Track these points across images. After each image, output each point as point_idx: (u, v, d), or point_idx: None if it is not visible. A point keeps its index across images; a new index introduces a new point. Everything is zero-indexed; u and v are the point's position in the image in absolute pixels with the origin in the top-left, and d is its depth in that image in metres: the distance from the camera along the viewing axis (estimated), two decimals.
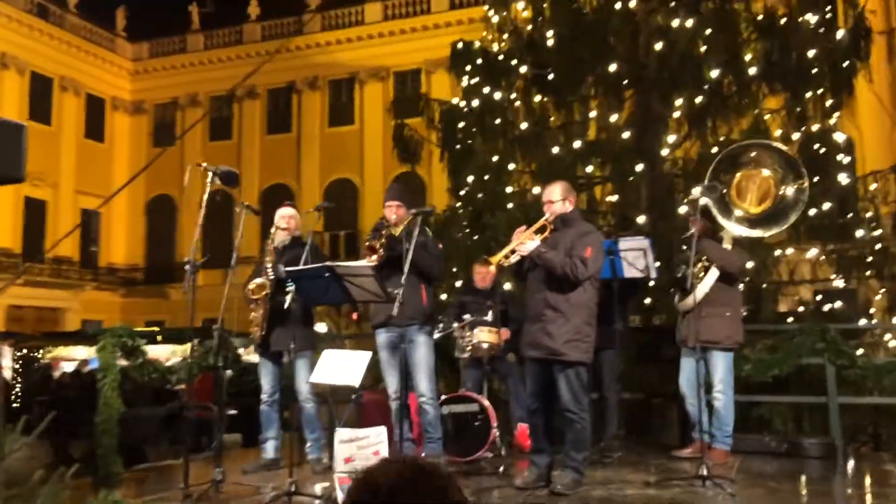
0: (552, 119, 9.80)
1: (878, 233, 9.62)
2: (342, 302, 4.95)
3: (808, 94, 8.70)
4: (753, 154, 5.79)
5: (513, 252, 4.95)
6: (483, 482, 5.41)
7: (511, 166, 9.40)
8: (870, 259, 9.49)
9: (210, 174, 4.33)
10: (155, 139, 32.37)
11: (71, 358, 16.29)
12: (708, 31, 8.54)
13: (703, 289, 5.99)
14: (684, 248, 6.22)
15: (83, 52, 30.36)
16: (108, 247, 30.79)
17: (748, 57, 8.62)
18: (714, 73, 8.49)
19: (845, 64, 8.86)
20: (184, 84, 32.08)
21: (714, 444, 6.13)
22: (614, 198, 9.07)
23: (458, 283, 8.22)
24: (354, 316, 5.56)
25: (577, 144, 9.00)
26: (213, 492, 4.92)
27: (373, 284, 4.47)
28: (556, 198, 5.11)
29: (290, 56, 29.27)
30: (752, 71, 8.52)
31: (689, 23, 8.49)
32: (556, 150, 9.06)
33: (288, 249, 5.84)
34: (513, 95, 9.81)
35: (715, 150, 8.69)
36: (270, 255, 5.72)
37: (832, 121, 9.37)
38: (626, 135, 8.76)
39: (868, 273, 9.79)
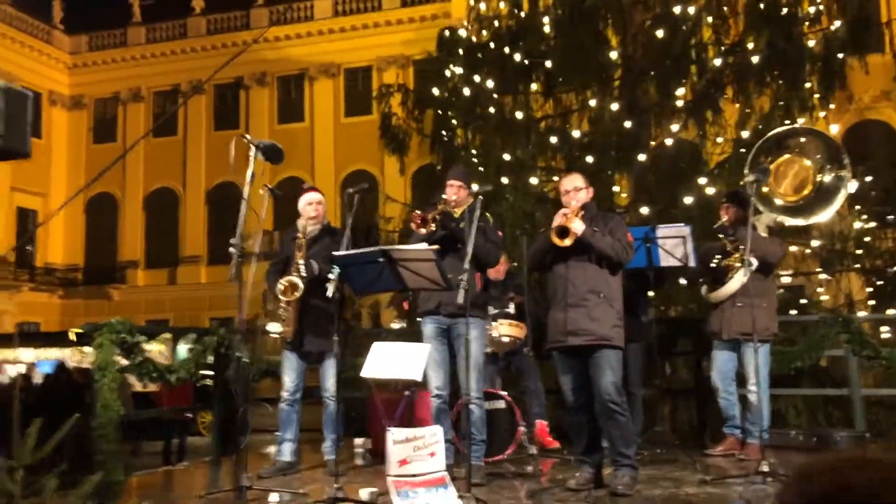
0: (546, 108, 9.55)
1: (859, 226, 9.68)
2: (394, 289, 4.57)
3: (808, 85, 8.65)
4: (802, 139, 5.62)
5: (565, 231, 4.64)
6: (528, 485, 5.08)
7: (506, 157, 9.09)
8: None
9: (253, 148, 3.87)
10: (95, 135, 31.08)
11: (16, 361, 15.31)
12: (710, 19, 8.41)
13: (740, 279, 5.79)
14: (721, 236, 6.00)
15: (17, 43, 28.93)
16: (45, 246, 29.37)
17: (750, 45, 8.52)
18: (717, 62, 8.36)
19: (840, 55, 8.86)
20: (125, 78, 30.91)
21: (749, 438, 5.94)
22: (616, 188, 8.86)
23: None
24: (405, 305, 5.14)
25: (576, 134, 8.75)
26: (238, 498, 4.45)
27: (432, 270, 4.09)
28: (582, 185, 4.90)
29: (237, 51, 28.42)
30: (755, 59, 8.42)
31: (692, 9, 8.34)
32: (553, 139, 8.79)
33: (318, 240, 5.42)
34: (504, 84, 9.53)
35: (720, 139, 8.59)
36: (301, 251, 5.28)
37: (822, 113, 9.37)
38: (628, 124, 8.55)
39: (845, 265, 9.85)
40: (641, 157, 8.41)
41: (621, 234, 4.68)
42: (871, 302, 9.36)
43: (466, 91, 9.52)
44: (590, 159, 8.44)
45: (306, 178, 29.12)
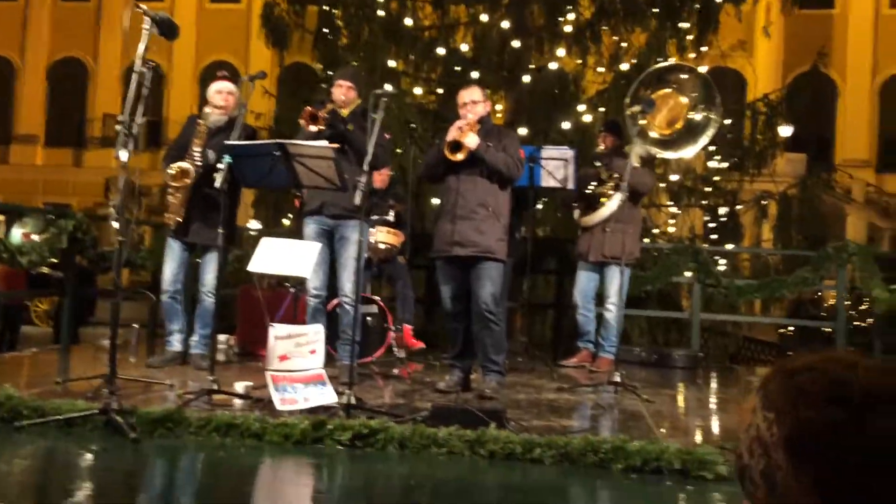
0: (434, 18, 9.42)
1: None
2: (286, 185, 4.47)
3: (686, 25, 9.01)
4: (683, 76, 5.89)
5: (458, 146, 4.71)
6: (398, 386, 5.26)
7: (391, 63, 8.95)
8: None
9: (148, 21, 3.59)
10: None
11: None
12: None
13: (612, 206, 6.10)
14: (598, 164, 6.26)
15: None
16: None
17: None
18: None
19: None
20: None
21: (601, 353, 6.39)
22: (498, 107, 8.96)
23: None
24: (297, 203, 5.03)
25: (464, 48, 8.73)
26: (109, 386, 4.32)
27: (329, 168, 4.03)
28: (479, 98, 4.96)
29: None
30: None
31: None
32: (441, 51, 8.73)
33: (221, 132, 5.16)
34: None
35: (601, 69, 8.83)
36: (200, 138, 5.04)
37: (692, 55, 9.81)
38: (516, 43, 8.61)
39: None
40: (525, 79, 8.53)
41: (514, 151, 4.80)
42: (714, 236, 10.12)
43: None
44: (475, 75, 8.47)
45: (163, 64, 27.36)
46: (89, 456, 3.37)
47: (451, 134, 4.81)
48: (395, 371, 5.84)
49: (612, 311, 6.30)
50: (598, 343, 6.44)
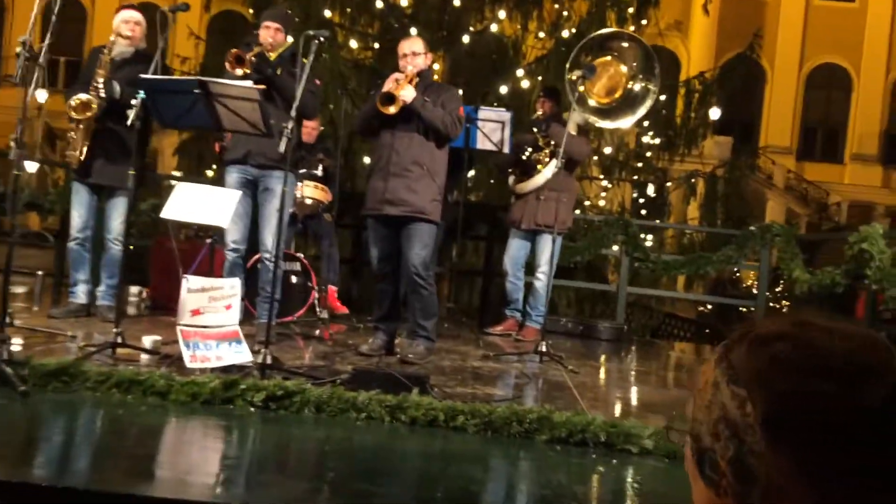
0: None
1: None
2: (205, 127, 4.16)
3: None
4: (625, 44, 5.76)
5: (391, 98, 4.48)
6: (318, 347, 5.06)
7: (327, 14, 8.58)
8: None
9: None
10: None
11: None
12: None
13: (547, 173, 5.99)
14: (535, 129, 6.12)
15: None
16: None
17: None
18: None
19: None
20: None
21: (528, 321, 6.32)
22: (436, 67, 8.71)
23: None
24: (217, 147, 4.71)
25: (403, 2, 8.43)
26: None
27: (254, 112, 3.75)
28: (421, 50, 4.74)
29: None
30: None
31: None
32: (379, 4, 8.41)
33: (128, 64, 4.83)
34: None
35: (542, 35, 8.68)
36: (104, 69, 4.67)
37: (632, 28, 9.76)
38: (457, 2, 8.37)
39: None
40: (465, 39, 8.31)
41: (453, 107, 4.59)
42: (643, 212, 10.19)
43: None
44: (413, 31, 8.18)
45: (85, 2, 25.95)
46: None
47: (387, 85, 4.58)
48: (317, 332, 5.62)
49: (541, 280, 6.22)
50: (526, 312, 6.36)
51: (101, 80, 4.68)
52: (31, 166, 3.88)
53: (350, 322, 6.25)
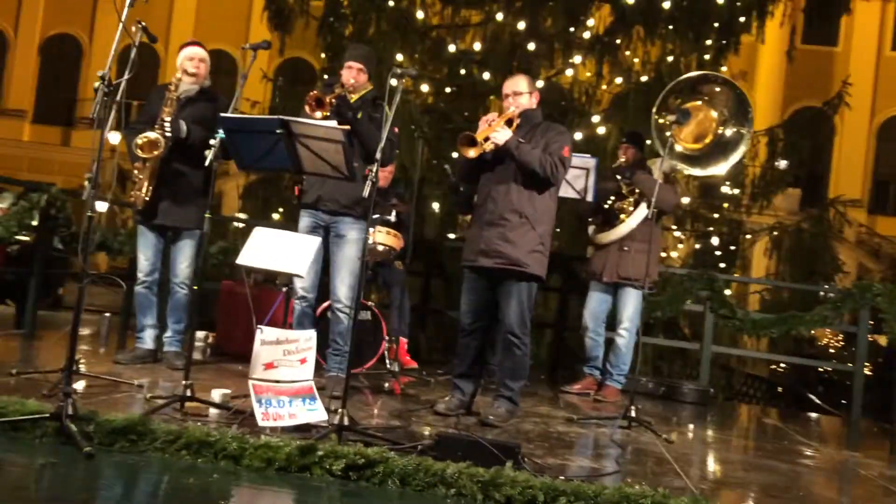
0: (445, 15, 8.97)
1: None
2: (284, 169, 3.98)
3: (708, 42, 8.62)
4: (717, 88, 5.46)
5: (486, 140, 4.24)
6: (389, 403, 4.75)
7: (399, 57, 8.46)
8: None
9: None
10: None
11: None
12: None
13: (633, 223, 5.66)
14: (618, 177, 5.81)
15: None
16: None
17: None
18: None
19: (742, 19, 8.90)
20: None
21: (608, 381, 5.92)
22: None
23: None
24: (297, 190, 4.53)
25: (477, 46, 8.27)
26: (65, 386, 3.79)
27: (337, 154, 3.53)
28: (524, 89, 4.48)
29: None
30: (666, 5, 8.24)
31: None
32: (452, 48, 8.26)
33: (192, 102, 4.73)
34: None
35: (619, 80, 8.42)
36: (170, 107, 4.55)
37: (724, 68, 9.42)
38: (531, 46, 8.16)
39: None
40: (539, 84, 8.06)
41: (556, 148, 4.26)
42: (722, 265, 9.71)
43: None
44: (486, 76, 8.02)
45: (160, 52, 26.69)
46: (31, 472, 2.83)
47: (481, 127, 4.34)
48: (386, 385, 5.35)
49: (624, 337, 5.84)
50: (606, 370, 5.97)
51: (167, 118, 4.54)
52: (102, 206, 3.74)
53: (420, 375, 5.94)
